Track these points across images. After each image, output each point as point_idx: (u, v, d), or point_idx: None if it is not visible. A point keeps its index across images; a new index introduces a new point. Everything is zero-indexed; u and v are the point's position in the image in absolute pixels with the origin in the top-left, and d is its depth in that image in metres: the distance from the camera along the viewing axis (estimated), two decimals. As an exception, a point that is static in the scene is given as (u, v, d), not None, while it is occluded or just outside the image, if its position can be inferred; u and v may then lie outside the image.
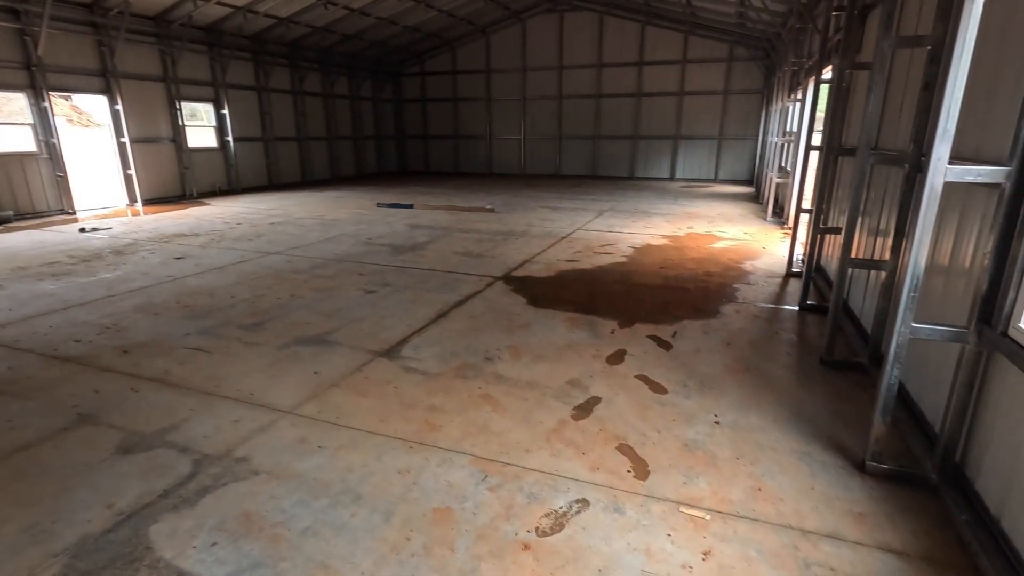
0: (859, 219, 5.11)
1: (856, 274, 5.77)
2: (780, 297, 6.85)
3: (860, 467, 3.31)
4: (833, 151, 5.80)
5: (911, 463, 3.34)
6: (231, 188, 17.85)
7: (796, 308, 6.36)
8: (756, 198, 16.66)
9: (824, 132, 6.56)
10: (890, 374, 3.10)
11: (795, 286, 7.23)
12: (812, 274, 6.43)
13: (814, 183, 7.77)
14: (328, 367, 4.75)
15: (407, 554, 2.65)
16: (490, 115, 24.79)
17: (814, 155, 7.53)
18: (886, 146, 5.13)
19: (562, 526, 2.85)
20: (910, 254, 2.91)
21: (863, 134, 4.38)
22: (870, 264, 4.74)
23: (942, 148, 2.70)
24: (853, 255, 4.77)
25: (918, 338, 3.03)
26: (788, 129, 12.74)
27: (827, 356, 4.82)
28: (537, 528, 2.83)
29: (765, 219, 12.59)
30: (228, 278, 7.57)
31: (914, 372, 3.84)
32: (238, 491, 3.11)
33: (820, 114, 8.66)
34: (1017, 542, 2.49)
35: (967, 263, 3.30)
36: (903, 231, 4.34)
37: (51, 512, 2.95)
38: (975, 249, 3.21)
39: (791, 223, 10.59)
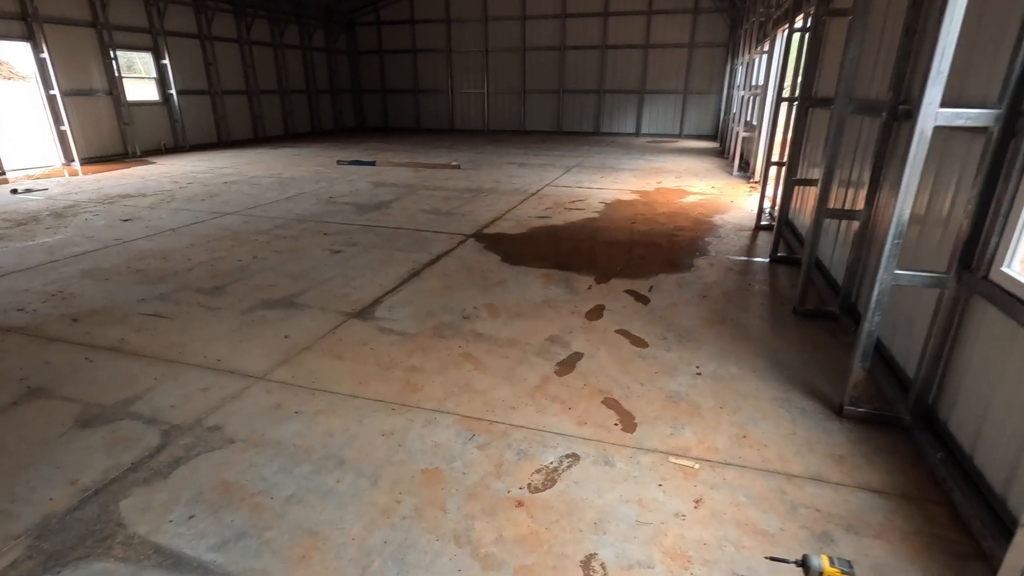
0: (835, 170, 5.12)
1: (825, 226, 5.84)
2: (751, 250, 6.92)
3: (838, 411, 3.40)
4: (807, 102, 5.77)
5: (885, 406, 3.45)
6: (178, 146, 16.77)
7: (767, 260, 6.45)
8: (721, 153, 16.75)
9: (799, 83, 6.51)
10: (871, 320, 3.15)
11: (764, 239, 7.32)
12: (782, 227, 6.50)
13: (782, 136, 7.79)
14: (298, 330, 4.55)
15: (398, 517, 2.58)
16: (451, 68, 23.89)
17: (783, 108, 7.51)
18: (858, 96, 5.11)
19: (554, 481, 2.83)
20: (896, 201, 2.90)
21: (842, 82, 4.34)
22: (845, 214, 4.78)
23: (934, 91, 2.65)
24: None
25: (898, 284, 3.07)
26: (754, 83, 12.70)
27: (799, 306, 4.91)
28: (529, 484, 2.80)
29: (731, 174, 12.68)
30: (182, 240, 7.14)
31: (886, 319, 3.93)
32: (213, 461, 2.96)
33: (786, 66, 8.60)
34: (991, 475, 2.60)
35: (944, 211, 3.33)
36: (878, 181, 4.37)
37: (7, 492, 2.73)
38: (953, 197, 3.23)
39: (757, 177, 10.70)
